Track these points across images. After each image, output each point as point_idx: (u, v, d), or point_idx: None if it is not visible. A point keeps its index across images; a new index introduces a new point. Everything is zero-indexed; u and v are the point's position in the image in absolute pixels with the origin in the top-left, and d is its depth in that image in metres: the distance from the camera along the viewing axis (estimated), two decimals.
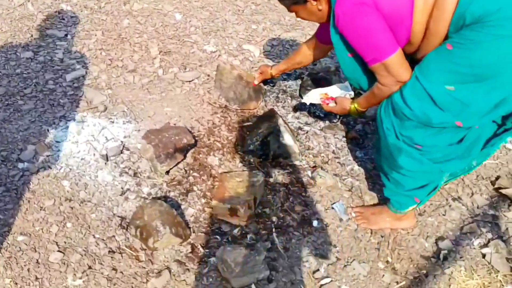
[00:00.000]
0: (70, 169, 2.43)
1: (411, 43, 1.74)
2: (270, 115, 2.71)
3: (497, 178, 2.60)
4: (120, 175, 2.42)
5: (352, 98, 2.21)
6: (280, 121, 2.60)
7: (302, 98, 2.75)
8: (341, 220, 2.32)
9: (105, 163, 2.46)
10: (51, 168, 2.42)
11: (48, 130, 2.63)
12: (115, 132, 2.66)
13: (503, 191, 2.49)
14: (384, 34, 1.71)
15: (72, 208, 2.24)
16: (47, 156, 2.48)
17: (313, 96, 2.45)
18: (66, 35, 3.41)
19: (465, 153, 1.93)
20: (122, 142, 2.60)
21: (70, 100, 2.87)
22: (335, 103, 2.25)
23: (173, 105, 2.92)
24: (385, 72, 1.77)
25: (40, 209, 2.22)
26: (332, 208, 2.37)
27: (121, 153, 2.53)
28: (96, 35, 3.43)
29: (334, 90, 2.41)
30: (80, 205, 2.26)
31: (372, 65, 1.79)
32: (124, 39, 3.42)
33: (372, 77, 1.88)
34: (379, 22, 1.68)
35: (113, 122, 2.74)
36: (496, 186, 2.54)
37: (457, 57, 1.62)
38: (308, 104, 2.61)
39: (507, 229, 2.33)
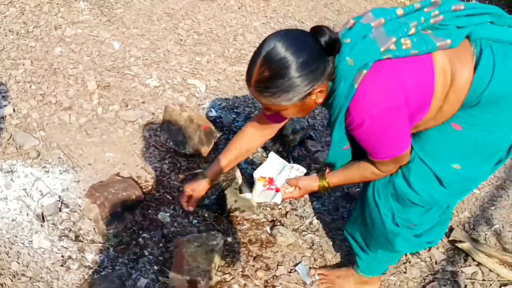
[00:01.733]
0: None
1: (419, 125, 1.60)
2: None
3: (451, 229, 2.60)
4: (60, 239, 2.13)
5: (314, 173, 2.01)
6: (238, 173, 2.43)
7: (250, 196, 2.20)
8: (304, 284, 2.19)
9: (41, 225, 2.16)
10: None
11: None
12: (51, 184, 2.35)
13: (458, 245, 2.49)
14: (407, 133, 1.55)
15: (2, 285, 1.92)
16: None
17: (260, 191, 1.93)
18: None
19: (447, 217, 1.90)
20: (60, 197, 2.30)
21: None
22: (298, 188, 1.87)
23: (115, 150, 2.66)
24: (392, 164, 1.64)
25: None
26: (295, 270, 2.24)
27: (60, 211, 2.24)
28: (24, 65, 3.07)
29: (273, 171, 1.92)
30: (12, 281, 1.94)
31: (380, 160, 1.62)
32: (56, 70, 3.09)
33: (354, 157, 1.75)
34: (406, 124, 1.51)
35: (48, 171, 2.43)
36: (450, 238, 2.54)
37: (468, 138, 1.55)
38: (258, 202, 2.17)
39: (465, 286, 2.32)
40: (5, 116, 2.68)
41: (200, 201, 2.32)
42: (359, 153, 1.69)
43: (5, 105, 2.74)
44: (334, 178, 1.81)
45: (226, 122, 3.04)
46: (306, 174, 1.94)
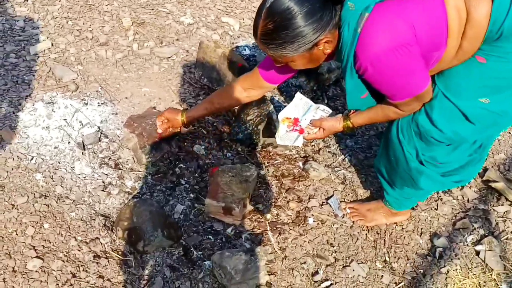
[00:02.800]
0: (43, 159, 2.19)
1: (440, 63, 1.54)
2: (259, 100, 2.54)
3: (485, 170, 2.58)
4: (100, 167, 2.21)
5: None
6: (272, 108, 2.44)
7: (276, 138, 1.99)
8: (336, 216, 2.24)
9: (82, 153, 2.24)
10: (20, 159, 2.17)
11: (13, 113, 2.36)
12: (90, 115, 2.42)
13: (492, 184, 2.48)
14: (422, 72, 1.49)
15: (48, 206, 2.02)
16: (15, 144, 2.22)
17: (283, 133, 1.91)
18: None
19: (481, 157, 1.87)
20: (99, 128, 2.37)
21: (36, 77, 2.58)
22: (322, 129, 1.86)
23: (151, 85, 2.70)
24: (414, 102, 1.60)
25: (12, 207, 1.99)
26: (327, 203, 2.28)
27: (99, 141, 2.31)
28: (60, 1, 3.10)
29: (298, 112, 1.88)
30: (57, 202, 2.04)
31: (400, 101, 1.58)
32: (92, 6, 3.11)
33: (377, 101, 1.72)
34: (419, 61, 1.45)
35: (86, 103, 2.49)
36: (484, 178, 2.52)
37: (493, 70, 1.49)
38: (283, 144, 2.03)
39: (497, 224, 2.32)
40: (44, 50, 2.73)
41: (234, 135, 2.36)
42: (381, 99, 1.67)
43: (43, 40, 2.79)
44: (359, 119, 1.79)
45: (260, 60, 3.02)
46: (332, 114, 1.92)
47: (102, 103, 2.51)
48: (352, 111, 1.83)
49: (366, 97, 1.65)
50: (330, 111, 1.88)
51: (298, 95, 1.89)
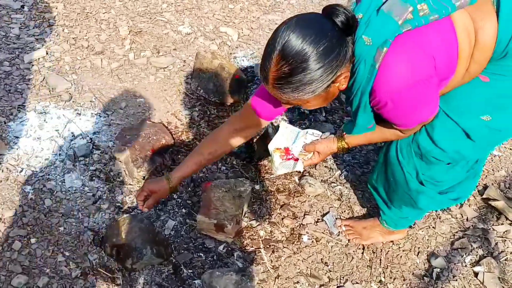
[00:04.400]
0: (33, 171, 2.15)
1: (445, 88, 1.50)
2: None
3: (485, 187, 2.53)
4: (91, 180, 2.17)
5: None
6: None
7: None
8: (331, 234, 2.19)
9: (73, 165, 2.19)
10: (9, 170, 2.13)
11: (4, 123, 2.32)
12: (82, 126, 2.38)
13: (492, 203, 2.43)
14: (436, 100, 1.46)
15: (36, 219, 1.98)
16: (5, 154, 2.18)
17: (279, 163, 1.79)
18: (22, 6, 3.03)
19: (477, 172, 1.83)
20: (91, 139, 2.33)
21: (29, 86, 2.54)
22: (317, 153, 1.75)
23: (146, 96, 2.66)
24: (419, 126, 1.59)
25: None
26: (323, 220, 2.23)
27: (91, 153, 2.26)
28: (57, 8, 3.07)
29: (287, 141, 1.80)
30: (45, 216, 2.00)
31: (409, 128, 1.56)
32: (89, 14, 3.08)
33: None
34: (436, 91, 1.41)
35: (79, 114, 2.45)
36: (484, 196, 2.47)
37: (497, 88, 1.47)
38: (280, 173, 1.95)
39: (496, 244, 2.27)
40: (38, 58, 2.70)
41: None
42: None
43: (38, 48, 2.75)
44: (354, 140, 1.71)
45: (258, 72, 2.99)
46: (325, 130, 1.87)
47: (95, 114, 2.47)
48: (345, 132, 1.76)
49: (372, 127, 1.60)
50: (320, 133, 1.79)
51: (283, 124, 1.82)
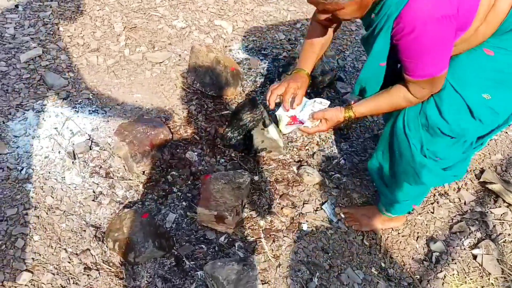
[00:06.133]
0: (33, 169, 2.16)
1: (454, 45, 1.52)
2: (253, 105, 2.51)
3: (482, 171, 2.55)
4: (91, 176, 2.18)
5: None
6: (265, 113, 2.41)
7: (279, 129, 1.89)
8: (331, 221, 2.21)
9: (73, 162, 2.21)
10: (10, 169, 2.14)
11: (3, 122, 2.34)
12: (81, 124, 2.39)
13: (489, 186, 2.45)
14: (449, 51, 1.48)
15: (38, 217, 2.00)
16: (5, 154, 2.20)
17: (285, 126, 1.83)
18: (17, 6, 3.03)
19: (468, 156, 1.85)
20: (90, 136, 2.34)
21: (27, 85, 2.56)
22: (325, 120, 1.75)
23: (143, 91, 2.67)
24: (428, 86, 1.57)
25: (2, 220, 1.96)
26: (322, 208, 2.25)
27: (90, 149, 2.28)
28: (51, 7, 3.07)
29: (294, 110, 1.81)
30: (47, 214, 2.02)
31: (419, 79, 1.53)
32: (83, 11, 3.08)
33: (384, 86, 1.71)
34: (452, 38, 1.44)
35: (77, 111, 2.47)
36: (481, 180, 2.49)
37: (500, 62, 1.51)
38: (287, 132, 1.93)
39: (494, 226, 2.29)
40: (35, 57, 2.71)
41: (227, 141, 2.34)
42: (391, 78, 1.64)
43: (34, 47, 2.76)
44: (362, 107, 1.73)
45: (253, 64, 3.00)
46: (330, 106, 1.88)
47: (93, 111, 2.48)
48: (353, 102, 1.78)
49: (383, 67, 1.62)
50: (328, 102, 1.80)
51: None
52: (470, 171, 2.55)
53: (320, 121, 1.77)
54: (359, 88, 1.76)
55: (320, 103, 1.81)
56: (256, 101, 2.55)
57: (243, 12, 3.39)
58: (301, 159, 2.47)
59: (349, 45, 3.31)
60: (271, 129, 2.38)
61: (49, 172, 2.17)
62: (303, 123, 1.78)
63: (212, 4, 3.40)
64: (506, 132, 2.82)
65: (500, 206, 2.38)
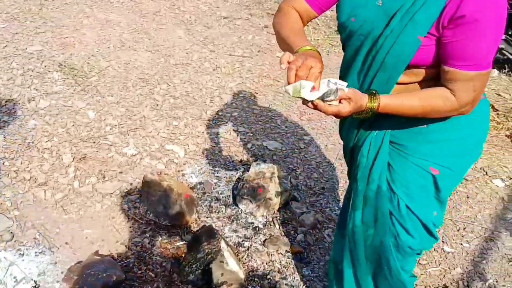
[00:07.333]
0: None
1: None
2: (209, 234, 2.45)
3: (445, 287, 2.54)
4: None
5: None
6: (223, 244, 2.34)
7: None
8: None
9: None
10: None
11: None
12: (26, 269, 2.22)
13: None
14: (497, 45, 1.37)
15: None
16: None
17: (310, 89, 1.39)
18: None
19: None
20: (36, 282, 2.17)
21: None
22: (349, 100, 1.39)
23: (93, 226, 2.55)
24: (480, 86, 1.39)
25: None
26: None
27: None
28: None
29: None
30: None
31: (476, 70, 1.35)
32: (30, 144, 3.01)
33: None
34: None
35: (22, 254, 2.31)
36: None
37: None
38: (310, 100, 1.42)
39: None
40: None
41: (184, 276, 2.23)
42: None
43: None
44: (390, 100, 1.43)
45: (207, 187, 2.98)
46: None
47: (40, 252, 2.33)
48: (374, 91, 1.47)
49: (422, 41, 1.38)
50: (345, 83, 1.45)
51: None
52: None
53: (340, 101, 1.42)
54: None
55: (335, 84, 1.45)
56: (213, 229, 2.49)
57: (194, 135, 3.43)
58: None
59: (300, 163, 3.36)
60: (231, 261, 2.30)
61: None
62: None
63: (163, 129, 3.42)
64: (461, 244, 2.86)
65: None
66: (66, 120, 3.26)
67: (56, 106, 3.36)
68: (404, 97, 1.43)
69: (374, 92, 1.44)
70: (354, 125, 1.73)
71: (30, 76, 3.55)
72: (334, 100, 1.38)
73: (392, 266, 1.75)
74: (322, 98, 1.39)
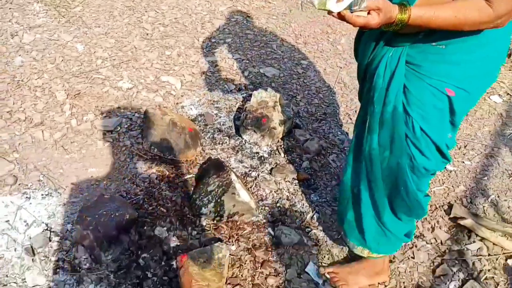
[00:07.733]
0: None
1: None
2: (217, 167, 2.42)
3: (450, 206, 2.58)
4: (55, 273, 1.98)
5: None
6: (233, 176, 2.32)
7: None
8: (317, 284, 2.13)
9: (33, 260, 2.00)
10: None
11: None
12: (35, 211, 2.19)
13: (460, 222, 2.47)
14: None
15: None
16: None
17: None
18: None
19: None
20: (47, 225, 2.14)
21: None
22: (378, 11, 1.32)
23: (97, 164, 2.50)
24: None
25: None
26: (305, 272, 2.17)
27: (50, 241, 2.08)
28: None
29: None
30: None
31: None
32: (20, 82, 2.87)
33: None
34: None
35: (29, 197, 2.26)
36: (451, 216, 2.51)
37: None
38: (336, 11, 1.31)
39: (474, 264, 2.30)
40: None
41: (196, 210, 2.22)
42: None
43: None
44: (422, 11, 1.35)
45: (209, 119, 2.91)
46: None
47: (46, 194, 2.28)
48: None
49: None
50: None
51: None
52: (439, 207, 2.57)
53: (369, 12, 1.35)
54: None
55: None
56: (221, 162, 2.46)
57: (189, 65, 3.30)
58: (275, 219, 2.39)
59: (299, 89, 3.29)
60: (242, 192, 2.29)
61: (7, 275, 1.95)
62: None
63: (156, 59, 3.28)
64: (463, 162, 2.89)
65: (474, 241, 2.40)
66: (54, 55, 3.10)
67: (42, 40, 3.18)
68: (437, 8, 1.34)
69: (405, 2, 1.37)
70: (370, 41, 1.65)
71: (10, 9, 3.32)
72: (362, 10, 1.30)
73: (409, 187, 1.75)
74: (349, 9, 1.29)
